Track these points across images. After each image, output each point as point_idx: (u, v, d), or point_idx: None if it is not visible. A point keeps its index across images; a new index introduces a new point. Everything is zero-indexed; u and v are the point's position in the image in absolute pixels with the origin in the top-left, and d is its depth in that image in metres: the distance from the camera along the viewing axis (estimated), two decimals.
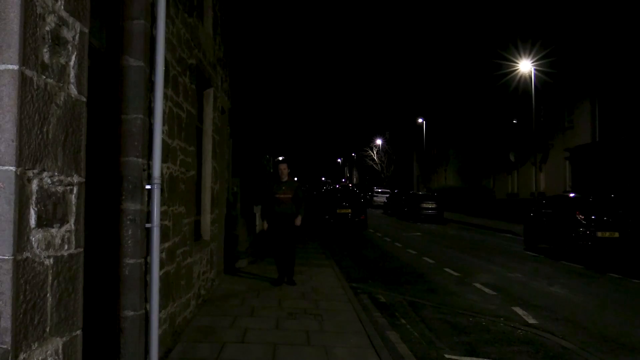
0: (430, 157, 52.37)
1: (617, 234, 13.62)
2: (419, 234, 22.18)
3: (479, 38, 37.64)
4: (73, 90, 2.61)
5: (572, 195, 16.16)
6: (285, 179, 9.19)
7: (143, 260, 4.47)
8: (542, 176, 29.92)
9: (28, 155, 2.21)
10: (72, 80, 2.60)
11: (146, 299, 4.55)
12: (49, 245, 2.39)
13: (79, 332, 2.69)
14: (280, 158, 10.27)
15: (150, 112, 4.60)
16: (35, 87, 2.26)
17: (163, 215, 4.98)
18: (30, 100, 2.23)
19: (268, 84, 21.12)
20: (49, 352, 2.40)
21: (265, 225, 9.35)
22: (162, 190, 4.79)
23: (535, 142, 26.88)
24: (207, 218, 8.26)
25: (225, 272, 9.81)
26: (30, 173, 2.23)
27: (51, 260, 2.41)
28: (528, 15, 30.13)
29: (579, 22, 25.87)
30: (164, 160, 4.96)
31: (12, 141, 2.13)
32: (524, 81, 28.47)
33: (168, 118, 5.22)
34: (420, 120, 51.36)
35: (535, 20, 29.31)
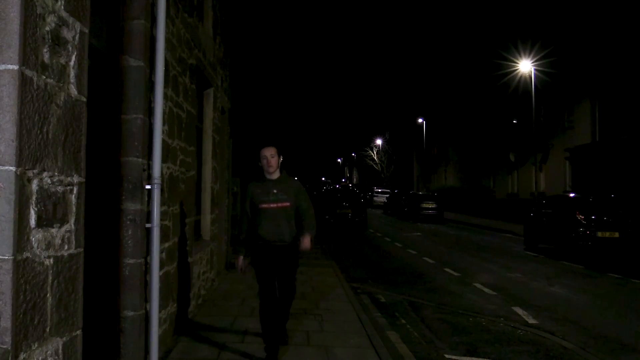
0: (430, 157, 52.36)
1: (617, 234, 13.61)
2: (419, 234, 22.17)
3: (479, 38, 37.62)
4: (73, 90, 2.61)
5: (572, 195, 16.16)
6: (274, 175, 5.22)
7: (143, 260, 4.48)
8: (542, 176, 29.90)
9: (28, 155, 2.21)
10: (72, 80, 2.60)
11: (146, 299, 4.55)
12: (49, 245, 2.39)
13: (79, 332, 2.69)
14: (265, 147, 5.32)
15: (150, 112, 4.60)
16: (35, 87, 2.26)
17: (163, 215, 4.98)
18: (30, 100, 2.23)
19: (268, 84, 21.12)
20: (49, 352, 2.40)
21: (241, 262, 5.36)
22: (162, 190, 4.79)
23: (535, 142, 26.86)
24: (207, 218, 8.26)
25: (226, 272, 9.81)
26: (30, 173, 2.23)
27: (51, 260, 2.41)
28: (528, 15, 30.12)
29: (579, 22, 25.87)
30: (164, 160, 4.96)
31: (12, 141, 2.13)
32: (524, 81, 28.45)
33: (168, 118, 5.22)
34: (420, 120, 51.37)
35: (535, 20, 29.30)
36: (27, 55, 2.20)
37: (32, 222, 2.26)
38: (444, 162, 49.68)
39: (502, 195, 35.91)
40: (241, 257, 5.33)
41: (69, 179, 2.57)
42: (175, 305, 5.72)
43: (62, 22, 2.49)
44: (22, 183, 2.17)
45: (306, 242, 5.22)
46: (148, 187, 4.52)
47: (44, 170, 2.35)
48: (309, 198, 5.42)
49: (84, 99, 2.73)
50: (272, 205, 5.11)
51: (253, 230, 5.21)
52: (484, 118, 38.99)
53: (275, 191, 5.14)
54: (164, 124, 4.87)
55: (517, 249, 16.54)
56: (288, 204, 5.16)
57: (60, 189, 2.49)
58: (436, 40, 47.63)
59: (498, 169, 37.50)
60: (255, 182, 5.30)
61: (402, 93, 60.36)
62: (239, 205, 11.72)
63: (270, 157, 5.12)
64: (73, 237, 2.61)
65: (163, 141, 4.82)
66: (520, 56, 27.18)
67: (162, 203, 4.90)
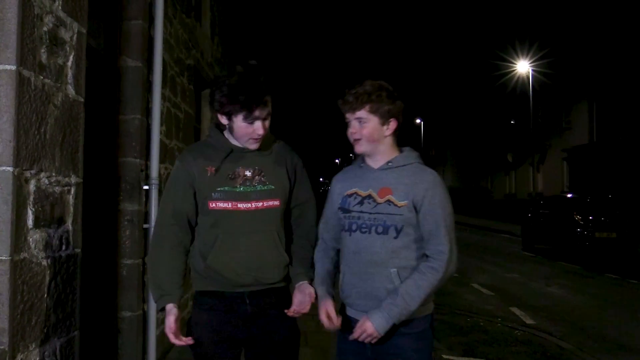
0: (428, 158, 52.46)
1: (614, 235, 13.63)
2: None
3: (477, 39, 37.70)
4: (71, 91, 2.60)
5: (569, 195, 16.19)
6: (253, 134, 2.36)
7: (141, 260, 4.47)
8: (540, 177, 29.95)
9: (25, 155, 2.21)
10: (70, 80, 2.60)
11: (144, 300, 4.54)
12: (46, 245, 2.39)
13: (76, 332, 2.69)
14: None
15: (148, 112, 4.60)
16: (32, 87, 2.26)
17: None
18: (28, 100, 2.23)
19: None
20: (46, 352, 2.40)
21: (172, 323, 2.29)
22: (159, 191, 4.79)
23: (533, 143, 26.91)
24: None
25: None
26: (27, 173, 2.23)
27: (49, 260, 2.41)
28: (526, 16, 30.18)
29: (577, 22, 25.91)
30: (162, 160, 4.95)
31: (10, 141, 2.12)
32: (522, 82, 28.51)
33: (166, 118, 5.21)
34: (418, 120, 51.39)
35: (533, 21, 29.35)
36: (25, 55, 2.20)
37: (30, 222, 2.26)
38: (442, 163, 49.71)
39: (500, 196, 35.98)
40: (171, 307, 2.34)
41: (66, 179, 2.57)
42: None
43: (59, 23, 2.49)
44: (19, 183, 2.17)
45: (304, 299, 2.49)
46: (146, 187, 4.52)
47: (42, 171, 2.34)
48: (310, 191, 2.64)
49: (82, 100, 2.73)
50: (242, 206, 2.38)
51: (194, 258, 2.46)
52: (482, 119, 39.07)
53: (249, 172, 2.42)
54: (161, 125, 4.87)
55: (515, 250, 16.55)
56: (278, 201, 2.44)
57: (57, 189, 2.49)
58: (434, 41, 47.73)
59: (496, 170, 37.57)
60: (200, 147, 2.57)
61: (400, 93, 60.44)
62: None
63: (263, 119, 2.38)
64: (71, 237, 2.61)
65: (161, 141, 4.81)
66: (518, 57, 27.25)
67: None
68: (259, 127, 2.36)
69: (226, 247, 2.35)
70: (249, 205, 2.38)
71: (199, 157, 2.45)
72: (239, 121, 2.35)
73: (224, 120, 2.41)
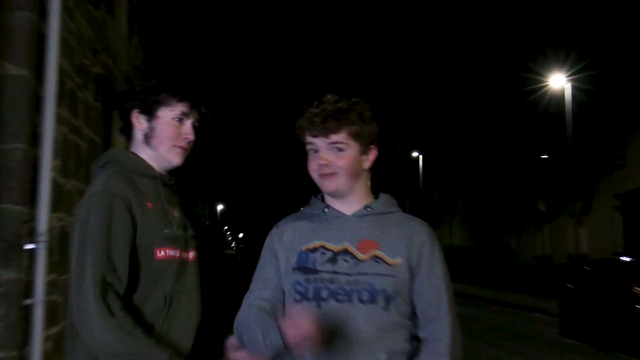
0: (429, 204, 52.76)
1: None
2: None
3: (495, 45, 38.50)
4: None
5: (625, 259, 16.38)
6: (180, 139, 2.49)
7: (18, 352, 4.35)
8: (584, 232, 30.30)
9: None
10: None
11: None
12: None
13: None
14: None
15: (36, 140, 4.55)
16: None
17: (51, 286, 4.87)
18: None
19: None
20: None
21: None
22: (50, 252, 4.70)
23: (574, 186, 27.28)
24: None
25: None
26: None
27: None
28: (560, 16, 30.90)
29: (629, 24, 26.61)
30: (55, 208, 4.89)
31: None
32: (557, 103, 28.90)
33: (62, 149, 5.16)
34: (415, 154, 51.88)
35: (570, 23, 30.05)
36: None
37: None
38: (450, 212, 50.12)
39: (529, 259, 36.28)
40: None
41: None
42: None
43: None
44: None
45: None
46: (30, 246, 4.44)
47: None
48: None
49: None
50: (184, 255, 2.50)
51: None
52: (502, 153, 39.59)
53: (176, 212, 2.55)
54: (55, 158, 4.82)
55: (551, 335, 16.63)
56: (194, 252, 2.60)
57: None
58: (437, 49, 48.64)
59: (523, 223, 37.98)
60: (124, 174, 2.42)
61: (392, 118, 61.23)
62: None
63: (191, 123, 2.52)
64: None
65: (54, 181, 4.76)
66: (551, 69, 27.49)
67: (50, 270, 4.79)
68: (189, 130, 2.46)
69: (175, 313, 2.35)
70: (189, 254, 2.50)
71: (130, 187, 2.37)
72: (165, 117, 2.45)
73: (141, 122, 2.50)
